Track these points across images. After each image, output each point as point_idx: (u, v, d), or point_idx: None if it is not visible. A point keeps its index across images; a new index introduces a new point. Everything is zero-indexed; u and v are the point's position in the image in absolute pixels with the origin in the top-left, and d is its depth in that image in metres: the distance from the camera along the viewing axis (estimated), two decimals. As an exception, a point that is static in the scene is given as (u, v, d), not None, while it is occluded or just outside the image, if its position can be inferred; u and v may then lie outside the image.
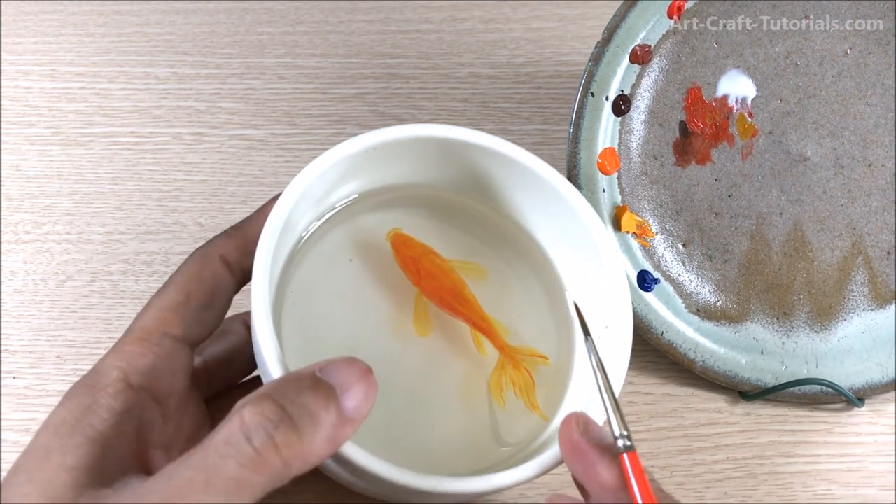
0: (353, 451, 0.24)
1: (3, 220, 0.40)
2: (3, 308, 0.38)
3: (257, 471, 0.20)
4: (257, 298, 0.25)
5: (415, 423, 0.30)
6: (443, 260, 0.31)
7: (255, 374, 0.31)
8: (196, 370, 0.29)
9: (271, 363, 0.25)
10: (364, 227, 0.32)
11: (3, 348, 0.37)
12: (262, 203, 0.29)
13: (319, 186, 0.30)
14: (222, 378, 0.30)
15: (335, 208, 0.32)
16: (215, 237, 0.28)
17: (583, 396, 0.30)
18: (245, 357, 0.30)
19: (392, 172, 0.32)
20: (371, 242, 0.32)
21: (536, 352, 0.31)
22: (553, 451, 0.26)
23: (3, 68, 0.45)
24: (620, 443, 0.24)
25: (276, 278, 0.29)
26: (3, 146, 0.43)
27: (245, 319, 0.31)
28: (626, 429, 0.24)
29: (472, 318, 0.31)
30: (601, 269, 0.31)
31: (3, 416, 0.35)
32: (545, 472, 0.26)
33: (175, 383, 0.26)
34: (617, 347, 0.29)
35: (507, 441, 0.30)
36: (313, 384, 0.22)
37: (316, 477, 0.24)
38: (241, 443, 0.20)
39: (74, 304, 0.38)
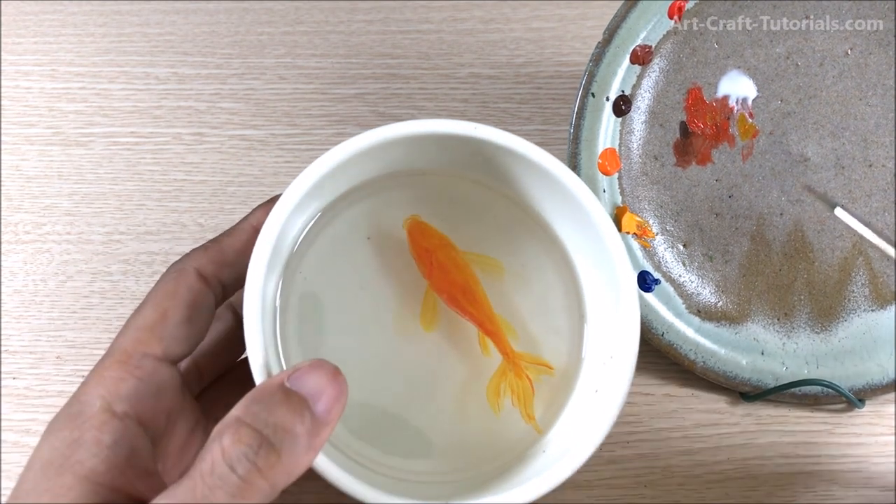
0: (330, 469, 0.24)
1: (3, 220, 0.40)
2: (3, 308, 0.38)
3: (246, 497, 0.21)
4: (251, 307, 0.25)
5: (409, 419, 0.29)
6: (458, 253, 0.30)
7: (242, 356, 0.31)
8: (186, 370, 0.28)
9: (256, 371, 0.25)
10: (383, 207, 0.31)
11: (3, 349, 0.37)
12: (258, 204, 0.29)
13: (324, 185, 0.29)
14: (213, 370, 0.30)
15: (356, 186, 0.30)
16: (192, 250, 0.27)
17: (583, 410, 0.29)
18: (233, 344, 0.30)
19: (415, 158, 0.30)
20: (388, 226, 0.31)
21: (541, 360, 0.30)
22: (544, 479, 0.25)
23: (3, 68, 0.45)
24: None
25: (285, 257, 0.29)
26: (3, 146, 0.43)
27: (231, 302, 0.30)
28: None
29: (480, 319, 0.30)
30: (618, 299, 0.29)
31: (3, 417, 0.35)
32: (530, 501, 0.25)
33: (161, 404, 0.25)
34: (616, 379, 0.28)
35: (499, 449, 0.29)
36: (284, 398, 0.22)
37: (316, 478, 0.24)
38: (226, 474, 0.21)
39: (74, 305, 0.38)
